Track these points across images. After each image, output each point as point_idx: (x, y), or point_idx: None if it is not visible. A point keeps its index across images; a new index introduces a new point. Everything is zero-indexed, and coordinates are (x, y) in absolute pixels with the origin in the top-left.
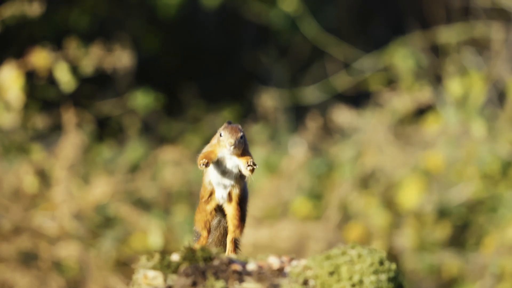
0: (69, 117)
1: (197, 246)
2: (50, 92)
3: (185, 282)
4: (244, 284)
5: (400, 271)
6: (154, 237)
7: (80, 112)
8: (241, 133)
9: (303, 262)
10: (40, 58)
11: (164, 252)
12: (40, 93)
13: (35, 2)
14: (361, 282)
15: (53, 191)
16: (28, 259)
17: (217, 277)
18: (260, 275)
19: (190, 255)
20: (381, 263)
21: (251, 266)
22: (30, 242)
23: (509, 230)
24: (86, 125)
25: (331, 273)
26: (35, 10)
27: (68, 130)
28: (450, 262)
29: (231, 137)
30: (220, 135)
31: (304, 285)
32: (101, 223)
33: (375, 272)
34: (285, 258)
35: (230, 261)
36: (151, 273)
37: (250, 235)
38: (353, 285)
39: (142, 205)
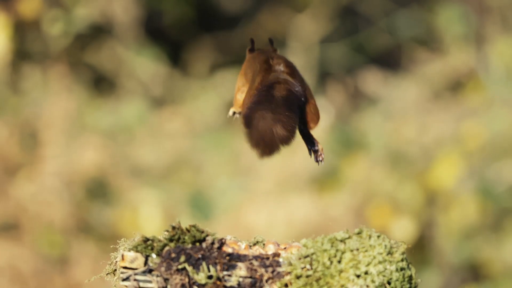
0: (60, 73)
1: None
2: (40, 45)
3: (168, 266)
4: (235, 271)
5: (410, 262)
6: (150, 211)
7: (73, 68)
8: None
9: (303, 248)
10: (28, 4)
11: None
12: (28, 46)
13: None
14: (366, 272)
15: (39, 155)
16: (8, 230)
17: (205, 262)
18: (253, 261)
19: (177, 236)
20: (390, 252)
21: (244, 252)
22: (12, 211)
23: None
24: (79, 83)
25: (333, 261)
26: None
27: (59, 88)
28: (489, 252)
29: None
30: None
31: (302, 273)
32: (92, 192)
33: (383, 262)
34: (283, 244)
35: (221, 245)
36: (130, 254)
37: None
38: (358, 275)
39: (139, 174)
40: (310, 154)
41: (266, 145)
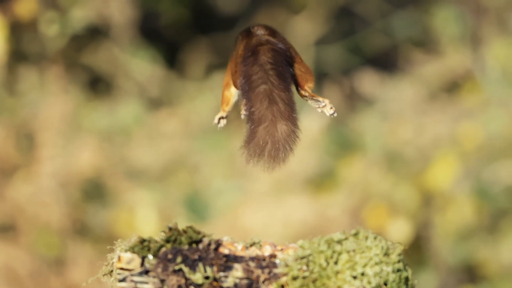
0: (56, 74)
1: None
2: (36, 47)
3: (165, 267)
4: (231, 272)
5: (406, 263)
6: (146, 213)
7: (70, 69)
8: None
9: (300, 249)
10: (25, 5)
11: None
12: (25, 47)
13: None
14: (363, 273)
15: (36, 156)
16: (5, 231)
17: (202, 263)
18: (250, 262)
19: (174, 237)
20: (387, 253)
21: (240, 253)
22: (8, 212)
23: None
24: (76, 84)
25: (330, 263)
26: None
27: (55, 89)
28: (485, 252)
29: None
30: None
31: (298, 274)
32: (89, 194)
33: (379, 263)
34: (279, 245)
35: (218, 246)
36: (127, 255)
37: (260, 215)
38: (354, 276)
39: (135, 176)
40: (321, 112)
41: (274, 150)
